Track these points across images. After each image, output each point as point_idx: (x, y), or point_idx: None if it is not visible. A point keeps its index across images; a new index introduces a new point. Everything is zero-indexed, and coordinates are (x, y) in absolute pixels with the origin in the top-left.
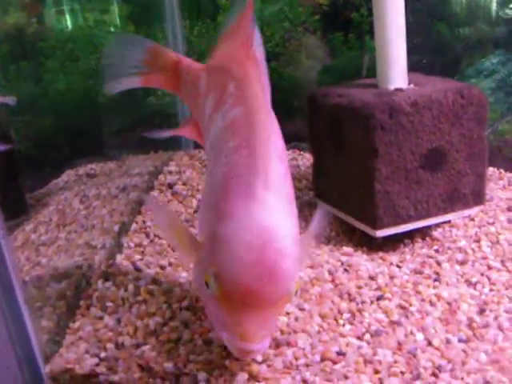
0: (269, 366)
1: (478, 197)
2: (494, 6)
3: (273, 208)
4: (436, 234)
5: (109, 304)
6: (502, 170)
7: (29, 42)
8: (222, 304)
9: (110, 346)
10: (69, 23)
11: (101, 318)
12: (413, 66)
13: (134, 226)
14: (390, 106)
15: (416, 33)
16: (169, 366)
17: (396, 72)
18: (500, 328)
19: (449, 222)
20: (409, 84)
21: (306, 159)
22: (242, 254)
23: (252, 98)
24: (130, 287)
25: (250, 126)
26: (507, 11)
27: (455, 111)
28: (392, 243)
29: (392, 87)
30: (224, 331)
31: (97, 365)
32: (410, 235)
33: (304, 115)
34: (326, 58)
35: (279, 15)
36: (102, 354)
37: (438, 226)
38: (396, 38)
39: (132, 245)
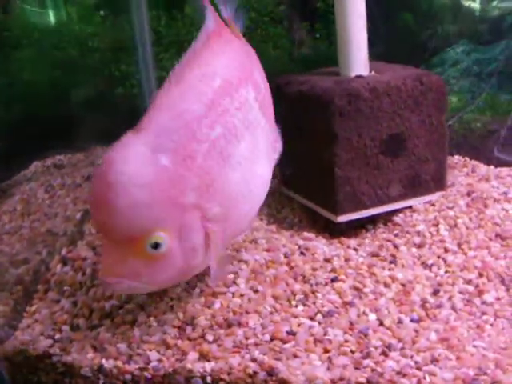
0: (219, 345)
1: (439, 182)
2: None
3: (130, 153)
4: (397, 219)
5: (66, 288)
6: (467, 158)
7: None
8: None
9: (64, 327)
10: (36, 14)
11: (58, 302)
12: (378, 56)
13: None
14: (348, 93)
15: (381, 22)
16: (122, 346)
17: (357, 59)
18: (453, 308)
19: (410, 207)
20: (370, 71)
21: None
22: (92, 191)
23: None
24: (88, 271)
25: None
26: (470, 1)
27: (414, 97)
28: (354, 229)
29: (353, 74)
30: None
31: (51, 346)
32: (373, 221)
33: None
34: (293, 48)
35: (246, 5)
36: (57, 336)
37: (399, 211)
38: (357, 26)
39: (94, 231)
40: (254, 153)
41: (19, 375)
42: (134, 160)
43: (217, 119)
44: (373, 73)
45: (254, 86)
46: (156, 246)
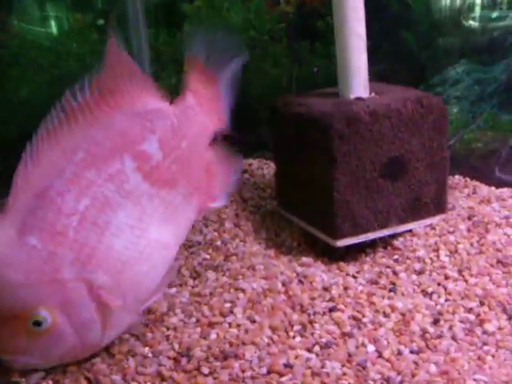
0: (215, 378)
1: (439, 205)
2: (458, 15)
3: None
4: (397, 243)
5: None
6: (467, 179)
7: None
8: None
9: None
10: (33, 32)
11: None
12: (379, 75)
13: None
14: (347, 116)
15: (381, 42)
16: (117, 378)
17: (356, 81)
18: (454, 338)
19: (410, 231)
20: (370, 93)
21: (272, 168)
22: None
23: None
24: None
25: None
26: (471, 21)
27: (415, 120)
28: (354, 253)
29: (353, 96)
30: None
31: (43, 378)
32: (372, 245)
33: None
34: (292, 67)
35: (245, 23)
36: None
37: (399, 235)
38: (356, 47)
39: None
40: (143, 219)
41: None
42: (2, 244)
43: (82, 191)
44: (373, 94)
45: (134, 157)
46: (38, 323)
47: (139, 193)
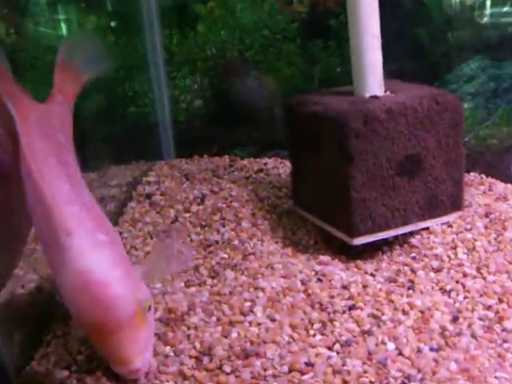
0: (237, 376)
1: (455, 203)
2: (472, 11)
3: (78, 250)
4: (414, 241)
5: None
6: (483, 175)
7: (7, 53)
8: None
9: (80, 358)
10: (49, 35)
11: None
12: (392, 73)
13: None
14: (364, 114)
15: (395, 39)
16: (140, 377)
17: (372, 79)
18: (473, 336)
19: (427, 228)
20: (385, 91)
21: (287, 167)
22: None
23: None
24: None
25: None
26: (484, 17)
27: (430, 118)
28: (370, 251)
29: (368, 94)
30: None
31: (67, 377)
32: (389, 242)
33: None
34: (306, 66)
35: (258, 23)
36: (73, 367)
37: (416, 232)
38: (371, 46)
39: None
40: None
41: None
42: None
43: None
44: (388, 93)
45: None
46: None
47: None
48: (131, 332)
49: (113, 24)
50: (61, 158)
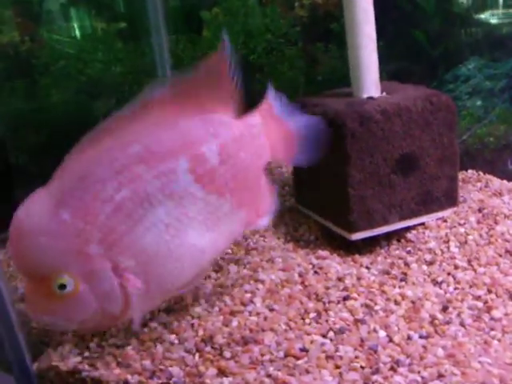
0: (236, 361)
1: (450, 199)
2: (469, 12)
3: (35, 207)
4: (410, 235)
5: None
6: (480, 172)
7: (22, 59)
8: None
9: (92, 345)
10: (62, 42)
11: None
12: (391, 74)
13: None
14: (360, 115)
15: (394, 41)
16: (147, 362)
17: (368, 81)
18: (462, 324)
19: (423, 223)
20: (381, 92)
21: (289, 166)
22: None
23: None
24: None
25: None
26: (481, 18)
27: (425, 117)
28: (369, 246)
29: (365, 96)
30: None
31: (80, 362)
32: (387, 238)
33: None
34: (308, 68)
35: (261, 28)
36: (86, 353)
37: (413, 227)
38: (367, 48)
39: None
40: (182, 221)
41: None
42: (38, 214)
43: (124, 183)
44: (384, 94)
45: (191, 158)
46: (62, 286)
47: (185, 194)
48: (41, 289)
49: (121, 30)
50: None
